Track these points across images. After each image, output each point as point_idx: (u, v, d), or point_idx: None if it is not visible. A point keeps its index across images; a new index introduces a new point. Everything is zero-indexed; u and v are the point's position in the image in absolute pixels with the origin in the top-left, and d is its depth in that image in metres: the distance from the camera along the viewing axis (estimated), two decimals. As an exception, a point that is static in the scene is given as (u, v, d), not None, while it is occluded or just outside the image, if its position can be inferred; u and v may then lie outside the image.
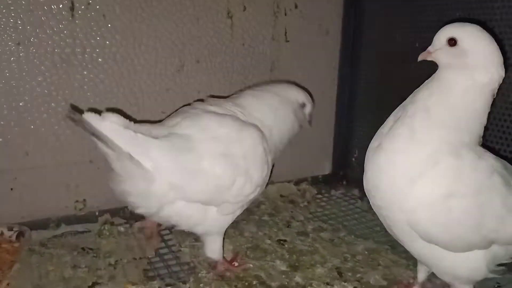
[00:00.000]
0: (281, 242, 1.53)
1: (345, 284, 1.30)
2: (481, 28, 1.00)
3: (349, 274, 1.36)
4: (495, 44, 0.99)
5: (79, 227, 1.60)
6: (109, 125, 1.08)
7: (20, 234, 1.42)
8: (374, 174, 1.06)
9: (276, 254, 1.46)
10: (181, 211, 1.22)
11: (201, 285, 1.28)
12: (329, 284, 1.30)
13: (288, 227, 1.65)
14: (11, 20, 1.44)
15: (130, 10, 1.59)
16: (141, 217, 1.67)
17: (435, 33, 1.63)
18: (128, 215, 1.69)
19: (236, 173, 1.23)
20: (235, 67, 1.84)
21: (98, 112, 1.09)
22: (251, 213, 1.75)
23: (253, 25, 1.84)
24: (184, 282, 1.29)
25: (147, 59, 1.66)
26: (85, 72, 1.57)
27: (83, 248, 1.46)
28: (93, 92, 1.60)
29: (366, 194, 1.12)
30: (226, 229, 1.41)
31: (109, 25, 1.57)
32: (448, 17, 1.60)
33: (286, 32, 1.92)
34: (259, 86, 1.57)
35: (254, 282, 1.31)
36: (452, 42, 0.99)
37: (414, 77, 1.69)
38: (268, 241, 1.54)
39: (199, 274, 1.33)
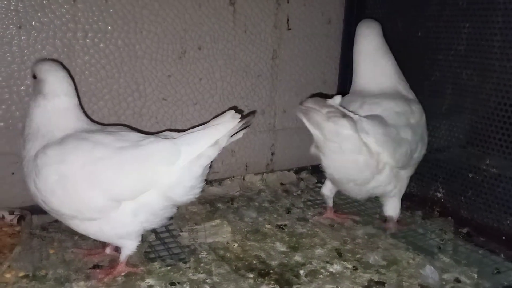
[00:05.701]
0: (281, 226, 1.54)
1: (345, 263, 1.31)
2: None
3: (349, 254, 1.37)
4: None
5: (80, 212, 1.59)
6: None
7: (21, 218, 1.43)
8: None
9: (276, 237, 1.47)
10: (387, 177, 1.38)
11: (202, 265, 1.29)
12: (328, 263, 1.31)
13: (288, 213, 1.66)
14: (13, 3, 1.44)
15: (132, -5, 1.59)
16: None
17: (438, 22, 1.64)
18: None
19: (417, 138, 1.43)
20: (237, 54, 1.84)
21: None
22: (251, 200, 1.76)
23: (256, 12, 1.84)
24: (185, 262, 1.29)
25: (149, 45, 1.66)
26: (87, 57, 1.57)
27: (84, 233, 1.46)
28: (94, 78, 1.60)
29: None
30: (227, 213, 1.59)
31: (111, 10, 1.57)
32: (450, 5, 1.61)
33: (288, 20, 1.92)
34: None
35: (254, 262, 1.32)
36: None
37: (416, 66, 1.71)
38: (268, 226, 1.54)
39: (199, 255, 1.34)
